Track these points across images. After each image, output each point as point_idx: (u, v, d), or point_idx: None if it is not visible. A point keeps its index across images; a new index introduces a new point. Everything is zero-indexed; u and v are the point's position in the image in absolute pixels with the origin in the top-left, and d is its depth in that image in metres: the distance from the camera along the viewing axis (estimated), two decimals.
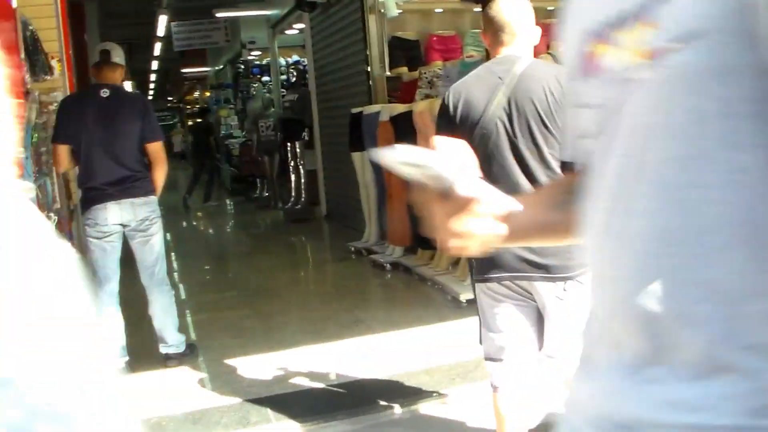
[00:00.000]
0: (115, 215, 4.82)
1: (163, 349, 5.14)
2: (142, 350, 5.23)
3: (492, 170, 2.90)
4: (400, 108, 7.36)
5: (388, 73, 8.82)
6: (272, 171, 13.84)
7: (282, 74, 15.76)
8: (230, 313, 6.60)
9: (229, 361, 5.13)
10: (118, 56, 5.04)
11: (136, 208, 4.86)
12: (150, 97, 43.25)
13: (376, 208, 8.43)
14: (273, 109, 14.08)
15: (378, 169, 7.89)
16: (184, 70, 27.22)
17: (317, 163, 11.92)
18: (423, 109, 6.65)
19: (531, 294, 3.01)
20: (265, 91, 15.93)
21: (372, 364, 4.82)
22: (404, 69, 8.52)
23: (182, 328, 5.45)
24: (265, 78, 17.31)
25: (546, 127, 2.94)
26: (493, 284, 3.03)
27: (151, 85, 35.08)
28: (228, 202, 17.08)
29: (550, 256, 2.91)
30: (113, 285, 4.94)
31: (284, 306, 6.53)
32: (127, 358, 5.02)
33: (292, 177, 12.44)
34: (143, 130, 4.89)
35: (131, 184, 4.84)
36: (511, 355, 3.06)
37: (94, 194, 4.83)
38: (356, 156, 8.56)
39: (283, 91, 14.90)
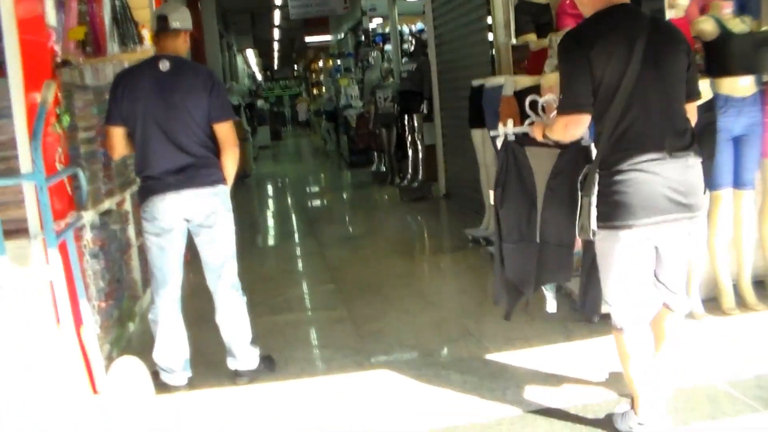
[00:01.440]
0: (175, 208, 4.06)
1: (231, 365, 4.38)
2: (209, 363, 4.51)
3: (628, 117, 3.15)
4: (526, 81, 6.32)
5: (513, 42, 7.78)
6: (389, 144, 13.05)
7: (404, 43, 14.87)
8: (322, 314, 5.80)
9: (309, 381, 4.33)
10: (178, 20, 4.15)
11: (201, 200, 4.08)
12: (275, 67, 43.49)
13: None
14: (392, 80, 13.20)
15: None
16: (307, 39, 26.73)
17: (436, 137, 11.03)
18: (553, 83, 5.62)
19: (660, 234, 3.19)
20: (383, 60, 15.12)
21: (482, 395, 3.92)
22: (532, 36, 7.43)
23: (262, 333, 4.70)
24: (387, 47, 16.47)
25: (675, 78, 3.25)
26: (634, 229, 3.13)
27: (275, 54, 34.87)
28: (345, 175, 16.41)
29: (691, 195, 3.16)
30: (173, 289, 4.20)
31: (384, 307, 5.65)
32: (189, 374, 4.32)
33: (410, 152, 11.58)
34: (210, 108, 4.08)
35: (195, 172, 4.05)
36: (637, 295, 3.27)
37: (152, 184, 4.07)
38: (476, 133, 7.61)
39: (404, 60, 14.01)
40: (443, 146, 10.92)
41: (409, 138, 11.46)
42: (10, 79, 3.31)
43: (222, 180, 4.16)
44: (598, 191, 3.20)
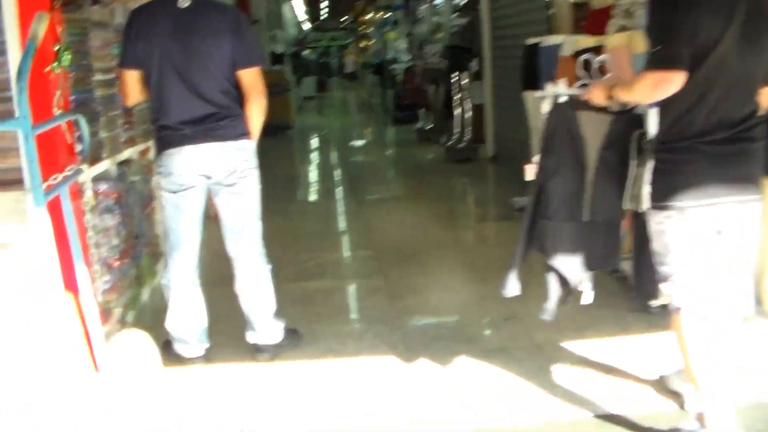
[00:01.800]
0: (194, 163, 3.63)
1: (251, 338, 3.98)
2: (230, 335, 4.12)
3: (709, 89, 2.78)
4: (587, 41, 5.77)
5: None
6: (436, 101, 12.54)
7: None
8: (356, 283, 5.38)
9: (336, 363, 3.92)
10: None
11: (223, 156, 3.64)
12: (323, 16, 42.80)
13: None
14: (441, 35, 12.61)
15: None
16: None
17: (485, 96, 10.51)
18: (619, 44, 5.09)
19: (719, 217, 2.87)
20: (433, 14, 14.53)
21: (529, 393, 3.48)
22: None
23: (289, 301, 4.31)
24: (438, 0, 15.85)
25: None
26: (692, 210, 2.84)
27: (324, 4, 34.23)
28: (389, 132, 15.93)
29: (750, 180, 2.88)
30: (190, 252, 3.79)
31: (423, 280, 5.21)
32: (206, 345, 3.93)
33: (457, 111, 11.05)
34: (234, 52, 3.61)
35: (216, 124, 3.61)
36: (699, 274, 2.90)
37: (169, 135, 3.63)
38: (529, 96, 7.09)
39: (455, 15, 13.41)
40: (492, 106, 10.44)
41: (457, 96, 10.93)
42: (3, 10, 2.89)
43: (247, 133, 3.71)
44: (655, 166, 2.91)
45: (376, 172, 11.05)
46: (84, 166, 3.18)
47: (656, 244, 2.97)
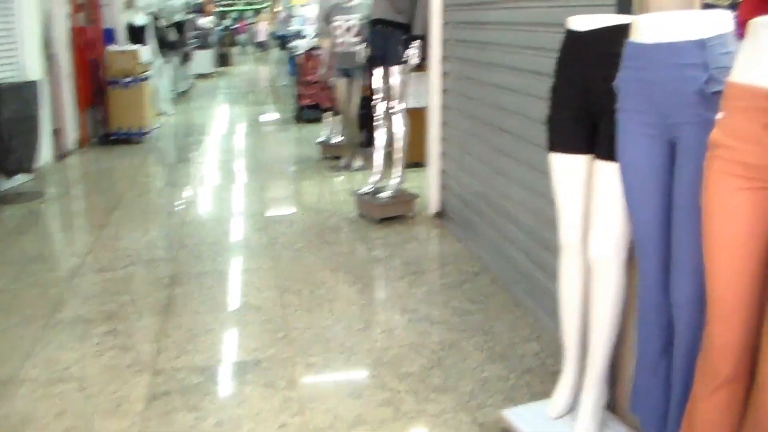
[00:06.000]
0: None
1: None
2: None
3: None
4: None
5: None
6: (348, 106, 7.97)
7: None
8: None
9: None
10: None
11: None
12: None
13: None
14: (360, 1, 7.93)
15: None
16: None
17: (431, 100, 6.13)
18: None
19: None
20: None
21: None
22: None
23: None
24: None
25: None
26: None
27: None
28: (288, 136, 11.23)
29: None
30: None
31: None
32: None
33: (381, 129, 6.43)
34: None
35: None
36: None
37: None
38: (571, 163, 2.70)
39: None
40: (443, 124, 5.99)
41: (382, 103, 6.33)
42: None
43: None
44: None
45: (227, 244, 5.92)
46: None
47: None
